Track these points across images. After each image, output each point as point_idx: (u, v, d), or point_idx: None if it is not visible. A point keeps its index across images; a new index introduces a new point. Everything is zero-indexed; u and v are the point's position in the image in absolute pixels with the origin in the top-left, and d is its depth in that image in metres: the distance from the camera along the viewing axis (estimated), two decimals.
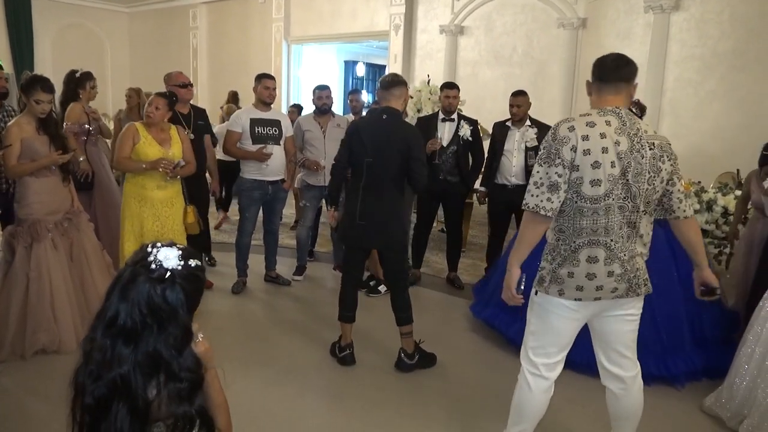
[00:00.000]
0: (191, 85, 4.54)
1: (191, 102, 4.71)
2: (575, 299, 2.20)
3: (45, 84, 3.42)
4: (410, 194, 4.11)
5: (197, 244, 4.83)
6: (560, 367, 2.34)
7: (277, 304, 4.57)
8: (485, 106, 8.35)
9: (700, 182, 5.23)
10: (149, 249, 1.41)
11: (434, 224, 6.60)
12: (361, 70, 13.52)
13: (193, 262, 1.44)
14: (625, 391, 2.35)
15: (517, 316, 3.41)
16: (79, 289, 3.55)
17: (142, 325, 1.36)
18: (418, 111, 7.01)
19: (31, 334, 3.38)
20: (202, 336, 1.52)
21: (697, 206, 4.80)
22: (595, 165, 2.06)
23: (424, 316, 4.16)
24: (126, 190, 3.86)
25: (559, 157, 2.08)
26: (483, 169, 5.13)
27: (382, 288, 4.73)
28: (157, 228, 3.81)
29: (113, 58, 14.93)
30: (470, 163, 4.94)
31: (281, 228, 6.86)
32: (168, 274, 1.38)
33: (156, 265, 1.38)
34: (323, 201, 5.08)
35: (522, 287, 2.21)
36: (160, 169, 3.69)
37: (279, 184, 4.69)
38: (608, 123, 2.10)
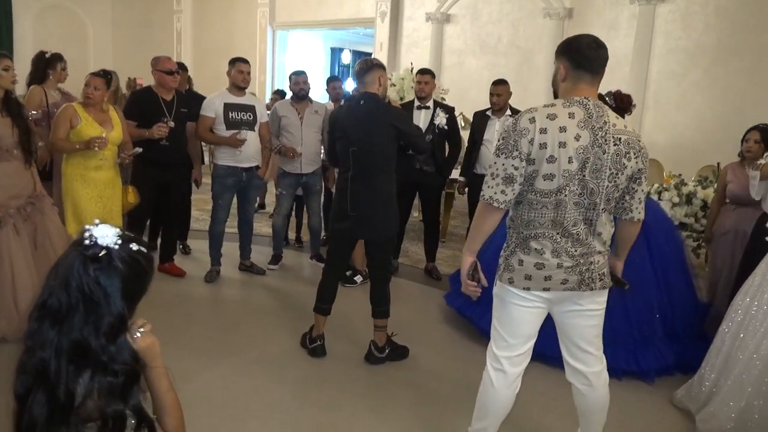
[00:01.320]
0: (178, 72, 4.39)
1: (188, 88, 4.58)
2: (524, 288, 2.16)
3: (3, 52, 3.42)
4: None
5: (174, 230, 4.78)
6: (525, 362, 2.28)
7: (250, 293, 4.49)
8: (469, 95, 8.28)
9: (680, 175, 5.21)
10: (87, 227, 1.31)
11: (416, 213, 6.56)
12: (347, 58, 13.38)
13: (134, 246, 1.32)
14: (590, 387, 2.30)
15: (489, 307, 3.37)
16: (43, 275, 3.44)
17: (67, 307, 1.25)
18: (401, 99, 6.93)
19: None
20: (143, 329, 1.40)
21: (677, 199, 4.78)
22: (551, 159, 2.00)
23: (399, 307, 4.09)
24: (67, 171, 3.81)
25: (516, 150, 2.01)
26: (462, 159, 5.07)
27: (358, 278, 4.67)
28: (99, 209, 3.83)
29: (95, 41, 14.63)
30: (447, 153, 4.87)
31: (262, 216, 6.80)
32: (103, 252, 1.26)
33: (90, 242, 1.26)
34: (300, 189, 4.99)
35: (475, 275, 2.16)
36: (95, 148, 3.67)
37: (253, 171, 4.59)
38: (571, 115, 2.01)
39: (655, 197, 4.75)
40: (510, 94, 4.80)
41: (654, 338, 3.37)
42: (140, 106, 4.29)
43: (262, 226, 6.23)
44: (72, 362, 1.26)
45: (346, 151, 3.24)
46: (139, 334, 1.39)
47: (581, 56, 2.07)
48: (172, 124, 4.22)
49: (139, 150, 3.91)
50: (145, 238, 5.11)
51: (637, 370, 3.30)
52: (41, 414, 1.24)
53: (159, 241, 4.87)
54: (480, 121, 4.84)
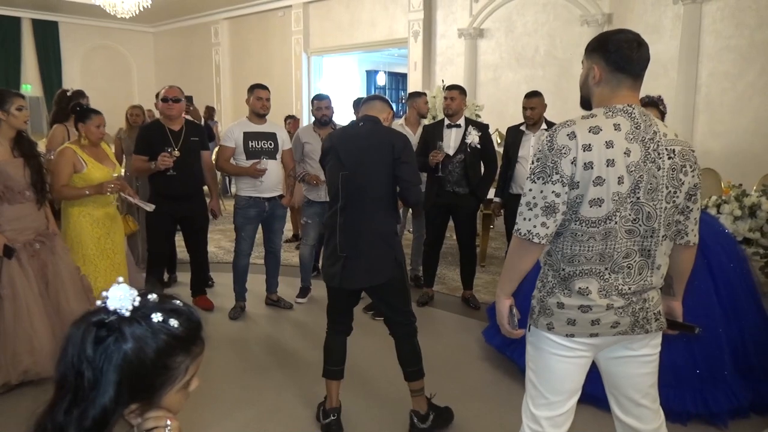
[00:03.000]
0: (177, 101, 4.22)
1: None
2: (566, 335, 1.79)
3: (15, 91, 3.35)
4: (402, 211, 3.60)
5: (199, 263, 4.61)
6: (569, 422, 1.92)
7: (275, 330, 4.25)
8: (508, 110, 7.97)
9: (741, 185, 4.73)
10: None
11: (451, 235, 6.24)
12: (382, 79, 13.27)
13: (157, 317, 0.99)
14: None
15: None
16: (53, 314, 3.30)
17: (60, 381, 0.98)
18: (434, 118, 6.68)
19: (12, 357, 3.12)
20: None
21: (739, 212, 4.31)
22: (598, 181, 1.66)
23: (434, 341, 3.80)
24: (72, 213, 3.69)
25: (557, 173, 1.67)
26: (497, 178, 4.76)
27: None
28: (109, 245, 3.77)
29: (139, 77, 15.12)
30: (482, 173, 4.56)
31: (290, 245, 6.61)
32: (110, 318, 0.97)
33: (102, 302, 0.99)
34: None
35: (516, 319, 1.86)
36: (108, 192, 3.61)
37: (277, 201, 4.39)
38: (617, 127, 1.69)
39: (713, 211, 4.30)
40: (545, 106, 4.46)
41: (724, 374, 2.93)
42: (148, 138, 4.18)
43: (293, 256, 6.03)
44: None
45: (336, 177, 2.76)
46: None
47: (621, 56, 1.73)
48: (177, 153, 4.05)
49: (152, 207, 3.92)
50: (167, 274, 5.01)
51: (705, 413, 2.86)
52: None
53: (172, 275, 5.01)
54: (514, 136, 4.52)
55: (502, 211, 4.86)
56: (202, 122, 6.80)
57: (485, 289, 5.11)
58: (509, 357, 3.45)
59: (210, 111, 10.10)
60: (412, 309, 2.88)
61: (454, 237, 6.06)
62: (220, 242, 6.85)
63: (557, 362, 1.84)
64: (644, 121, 1.72)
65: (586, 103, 1.86)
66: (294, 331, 4.24)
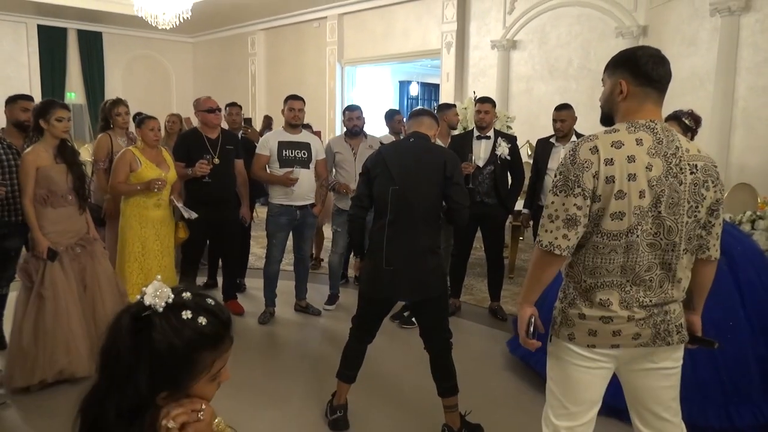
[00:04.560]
0: (219, 110, 4.47)
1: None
2: (588, 345, 1.82)
3: (61, 102, 3.48)
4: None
5: (231, 268, 4.75)
6: None
7: (303, 336, 4.35)
8: (539, 122, 7.93)
9: None
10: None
11: (480, 246, 6.25)
12: (414, 90, 13.35)
13: (186, 314, 1.06)
14: None
15: None
16: (89, 316, 3.44)
17: (101, 366, 1.09)
18: (464, 129, 6.71)
19: (50, 356, 3.26)
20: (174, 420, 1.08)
21: None
22: (619, 195, 1.70)
23: (459, 351, 3.77)
24: (126, 211, 3.97)
25: (578, 186, 1.72)
26: (527, 190, 4.78)
27: None
28: (158, 247, 3.98)
29: (178, 86, 15.51)
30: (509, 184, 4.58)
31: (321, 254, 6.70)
32: (145, 312, 1.05)
33: (141, 296, 1.08)
34: None
35: (532, 329, 1.89)
36: (155, 189, 3.84)
37: (308, 209, 4.49)
38: (639, 142, 1.72)
39: (747, 227, 4.24)
40: (575, 119, 4.48)
41: (750, 390, 2.90)
42: (186, 146, 4.40)
43: (323, 264, 6.12)
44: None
45: (385, 192, 2.78)
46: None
47: (648, 70, 1.77)
48: (216, 161, 4.26)
49: (195, 215, 4.09)
50: (204, 278, 5.15)
51: (729, 428, 2.83)
52: None
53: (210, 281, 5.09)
54: (543, 148, 4.54)
55: (531, 222, 4.86)
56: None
57: (513, 301, 5.11)
58: (533, 367, 3.46)
59: (268, 120, 10.11)
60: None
61: (483, 248, 6.11)
62: (252, 249, 6.95)
63: (578, 372, 1.87)
64: (666, 136, 1.75)
65: (608, 120, 1.90)
66: (321, 337, 4.33)
